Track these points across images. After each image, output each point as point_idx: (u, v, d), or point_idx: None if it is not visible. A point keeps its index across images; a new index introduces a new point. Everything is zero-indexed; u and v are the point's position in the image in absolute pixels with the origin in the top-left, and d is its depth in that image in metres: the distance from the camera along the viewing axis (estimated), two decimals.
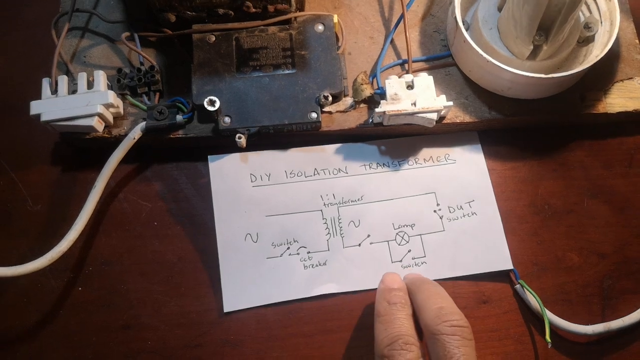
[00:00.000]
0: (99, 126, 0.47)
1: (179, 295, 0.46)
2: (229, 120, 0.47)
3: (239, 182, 0.48)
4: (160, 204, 0.49)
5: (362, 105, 0.49)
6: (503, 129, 0.51)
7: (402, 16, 0.50)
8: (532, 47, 0.47)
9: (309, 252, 0.47)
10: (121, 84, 0.49)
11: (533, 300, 0.45)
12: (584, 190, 0.50)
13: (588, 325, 0.46)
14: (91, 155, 0.50)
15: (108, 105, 0.47)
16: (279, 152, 0.50)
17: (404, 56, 0.51)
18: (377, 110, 0.47)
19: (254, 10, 0.48)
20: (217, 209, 0.48)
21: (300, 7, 0.51)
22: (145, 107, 0.48)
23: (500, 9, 0.49)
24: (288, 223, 0.48)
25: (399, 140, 0.51)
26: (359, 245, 0.48)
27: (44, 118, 0.46)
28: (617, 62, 0.51)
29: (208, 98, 0.46)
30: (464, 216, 0.48)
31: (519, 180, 0.50)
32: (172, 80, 0.50)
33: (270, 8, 0.49)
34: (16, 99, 0.52)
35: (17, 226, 0.48)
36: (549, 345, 0.43)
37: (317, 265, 0.47)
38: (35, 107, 0.46)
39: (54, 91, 0.47)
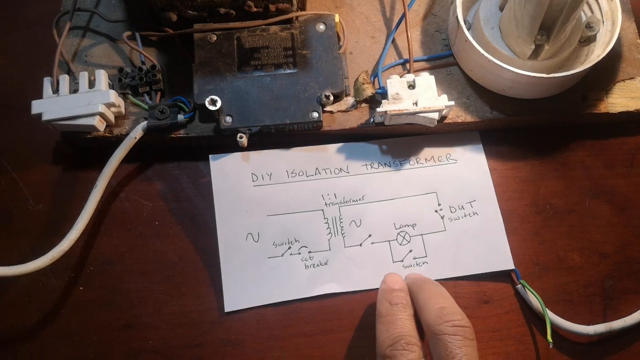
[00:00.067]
0: (100, 125, 0.47)
1: (180, 295, 0.46)
2: (231, 120, 0.47)
3: (240, 182, 0.48)
4: (162, 204, 0.49)
5: (363, 104, 0.49)
6: (504, 129, 0.51)
7: (403, 15, 0.50)
8: (533, 46, 0.47)
9: (310, 252, 0.47)
10: (122, 83, 0.49)
11: (534, 300, 0.45)
12: (586, 190, 0.50)
13: (589, 325, 0.45)
14: (92, 155, 0.50)
15: (109, 105, 0.47)
16: (280, 152, 0.50)
17: (406, 56, 0.51)
18: (378, 109, 0.47)
19: (255, 9, 0.48)
20: (219, 209, 0.48)
21: (302, 7, 0.51)
22: (146, 107, 0.48)
23: (501, 9, 0.49)
24: (289, 223, 0.48)
25: (400, 140, 0.51)
26: (360, 245, 0.47)
27: (45, 117, 0.46)
28: (619, 61, 0.51)
29: (209, 97, 0.46)
30: (465, 216, 0.48)
31: (520, 180, 0.50)
32: (174, 79, 0.50)
33: (272, 7, 0.49)
34: (17, 99, 0.52)
35: (18, 225, 0.48)
36: (551, 346, 0.43)
37: (318, 265, 0.47)
38: (36, 106, 0.46)
39: (55, 90, 0.47)
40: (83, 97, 0.47)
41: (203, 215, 0.48)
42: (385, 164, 0.50)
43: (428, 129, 0.49)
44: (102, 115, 0.46)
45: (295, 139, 0.50)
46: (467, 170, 0.50)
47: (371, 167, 0.50)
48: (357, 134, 0.50)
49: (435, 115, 0.47)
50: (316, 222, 0.48)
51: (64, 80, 0.47)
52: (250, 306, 0.46)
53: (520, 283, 0.46)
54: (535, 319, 0.46)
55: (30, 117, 0.46)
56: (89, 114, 0.46)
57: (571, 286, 0.47)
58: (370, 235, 0.48)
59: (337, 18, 0.50)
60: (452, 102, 0.47)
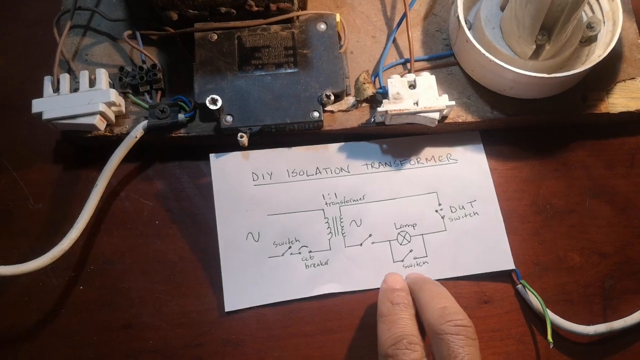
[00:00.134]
0: (101, 124, 0.47)
1: (180, 295, 0.46)
2: (231, 119, 0.47)
3: (241, 181, 0.48)
4: (162, 203, 0.49)
5: (364, 104, 0.49)
6: (505, 129, 0.51)
7: (404, 15, 0.50)
8: (534, 46, 0.47)
9: (310, 252, 0.47)
10: (123, 82, 0.49)
11: (535, 300, 0.45)
12: (586, 190, 0.50)
13: (589, 325, 0.46)
14: (93, 154, 0.50)
15: (110, 104, 0.47)
16: (280, 151, 0.49)
17: (406, 55, 0.51)
18: (379, 109, 0.47)
19: (256, 8, 0.48)
20: (219, 208, 0.48)
21: (303, 6, 0.51)
22: (147, 106, 0.48)
23: (502, 9, 0.49)
24: (289, 222, 0.48)
25: (400, 140, 0.50)
26: (361, 244, 0.47)
27: (45, 116, 0.46)
28: (620, 62, 0.51)
29: (210, 97, 0.46)
30: (465, 216, 0.48)
31: (520, 180, 0.50)
32: (174, 78, 0.50)
33: (273, 7, 0.49)
34: (17, 98, 0.52)
35: (19, 225, 0.48)
36: (551, 346, 0.43)
37: (318, 265, 0.47)
38: (36, 105, 0.46)
39: (56, 89, 0.47)
40: (83, 96, 0.47)
41: (203, 215, 0.48)
42: (385, 163, 0.50)
43: (429, 128, 0.49)
44: (102, 114, 0.46)
45: (296, 139, 0.50)
46: (468, 170, 0.50)
47: (372, 166, 0.50)
48: (357, 133, 0.50)
49: (436, 115, 0.47)
50: (316, 222, 0.48)
51: (65, 79, 0.47)
52: (250, 306, 0.46)
53: (520, 283, 0.46)
54: (536, 319, 0.46)
55: (30, 116, 0.46)
56: (90, 113, 0.46)
57: (571, 286, 0.47)
58: (370, 235, 0.48)
59: (338, 17, 0.50)
60: (453, 102, 0.47)
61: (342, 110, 0.49)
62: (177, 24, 0.49)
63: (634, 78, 0.51)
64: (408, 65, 0.50)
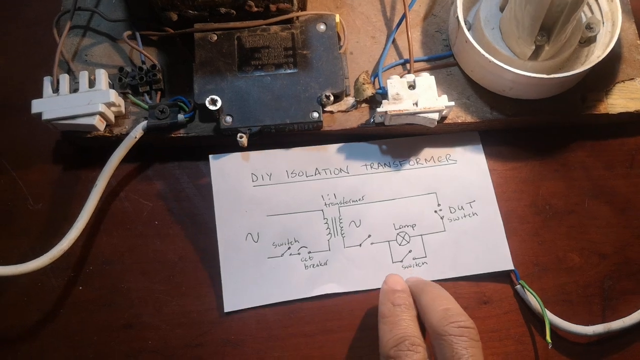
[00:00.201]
0: (101, 125, 0.47)
1: (180, 295, 0.46)
2: (231, 120, 0.47)
3: (240, 182, 0.48)
4: (162, 203, 0.49)
5: (363, 105, 0.49)
6: (504, 129, 0.51)
7: (404, 16, 0.50)
8: (534, 47, 0.47)
9: (309, 252, 0.47)
10: (123, 82, 0.49)
11: (534, 300, 0.45)
12: (585, 191, 0.50)
13: (588, 325, 0.46)
14: (92, 154, 0.50)
15: (109, 104, 0.47)
16: (280, 152, 0.50)
17: (406, 56, 0.51)
18: (378, 110, 0.47)
19: (256, 9, 0.48)
20: (218, 209, 0.48)
21: (302, 7, 0.51)
22: (146, 106, 0.48)
23: (502, 9, 0.49)
24: (289, 223, 0.48)
25: (400, 140, 0.51)
26: (360, 245, 0.48)
27: (45, 117, 0.46)
28: (619, 62, 0.51)
29: (210, 97, 0.46)
30: (464, 216, 0.48)
31: (520, 181, 0.50)
32: (174, 79, 0.50)
33: (272, 7, 0.49)
34: (17, 98, 0.52)
35: (18, 225, 0.48)
36: (550, 346, 0.43)
37: (317, 265, 0.47)
38: (36, 105, 0.46)
39: (56, 90, 0.47)
40: (83, 97, 0.47)
41: (203, 215, 0.48)
42: (385, 164, 0.50)
43: (428, 129, 0.49)
44: (102, 114, 0.46)
45: (296, 139, 0.50)
46: (467, 171, 0.50)
47: (371, 167, 0.50)
48: (357, 134, 0.50)
49: (436, 116, 0.47)
50: (316, 223, 0.48)
51: (64, 79, 0.47)
52: (250, 306, 0.46)
53: (519, 283, 0.46)
54: (535, 320, 0.46)
55: (30, 116, 0.46)
56: (89, 113, 0.46)
57: (570, 287, 0.47)
58: (369, 236, 0.48)
59: (337, 18, 0.50)
60: (452, 103, 0.47)
61: (342, 111, 0.49)
62: (177, 24, 0.49)
63: (633, 79, 0.51)
64: (407, 65, 0.50)
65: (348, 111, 0.49)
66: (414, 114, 0.46)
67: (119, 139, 0.47)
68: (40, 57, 0.53)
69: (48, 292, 0.46)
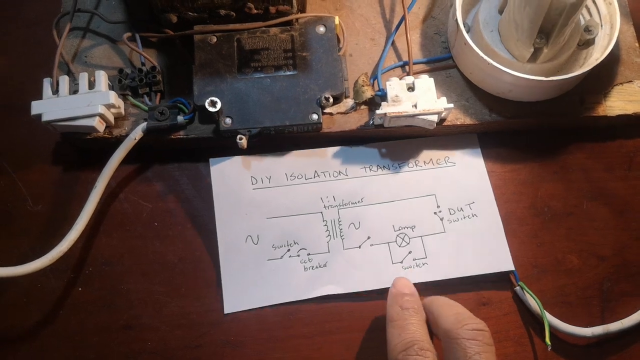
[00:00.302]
0: (100, 126, 0.47)
1: (180, 296, 0.46)
2: (230, 121, 0.47)
3: (240, 185, 0.49)
4: (161, 205, 0.49)
5: (363, 106, 0.50)
6: (503, 131, 0.51)
7: (403, 18, 0.50)
8: (532, 49, 0.47)
9: (309, 254, 0.47)
10: (122, 84, 0.49)
11: (533, 302, 0.46)
12: (584, 193, 0.50)
13: (587, 327, 0.46)
14: (92, 156, 0.50)
15: (109, 106, 0.47)
16: (279, 155, 0.50)
17: (405, 58, 0.51)
18: (377, 112, 0.47)
19: (255, 11, 0.49)
20: (218, 211, 0.48)
21: (302, 9, 0.51)
22: (146, 108, 0.48)
23: (501, 12, 0.50)
24: (288, 225, 0.48)
25: (399, 143, 0.51)
26: (359, 247, 0.48)
27: (45, 118, 0.46)
28: (617, 65, 0.51)
29: (209, 99, 0.46)
30: (464, 218, 0.49)
31: (519, 183, 0.50)
32: (174, 80, 0.50)
33: (272, 9, 0.49)
34: (17, 99, 0.52)
35: (18, 226, 0.48)
36: (549, 348, 0.44)
37: (317, 267, 0.47)
38: (36, 107, 0.46)
39: (55, 91, 0.47)
40: (83, 98, 0.47)
41: (202, 217, 0.48)
42: (384, 166, 0.50)
43: (427, 131, 0.49)
44: (101, 116, 0.46)
45: (295, 141, 0.50)
46: (466, 173, 0.50)
47: (370, 169, 0.50)
48: (356, 135, 0.50)
49: (435, 118, 0.47)
50: (315, 225, 0.48)
51: (64, 81, 0.48)
52: (249, 308, 0.46)
53: (518, 285, 0.46)
54: (534, 321, 0.46)
55: (30, 117, 0.46)
56: (89, 115, 0.46)
57: (569, 288, 0.48)
58: (369, 238, 0.48)
59: (337, 20, 0.50)
60: (451, 105, 0.47)
61: (341, 113, 0.49)
62: (177, 26, 0.49)
63: (631, 81, 0.51)
64: (407, 67, 0.50)
65: (347, 113, 0.49)
66: (413, 116, 0.47)
67: (119, 140, 0.47)
68: (40, 58, 0.53)
69: (48, 293, 0.46)
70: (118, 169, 0.47)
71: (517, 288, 0.47)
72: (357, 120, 0.49)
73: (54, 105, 0.46)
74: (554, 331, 0.46)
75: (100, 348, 0.45)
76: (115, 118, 0.48)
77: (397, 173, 0.50)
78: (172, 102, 0.48)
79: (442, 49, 0.52)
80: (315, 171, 0.49)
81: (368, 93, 0.49)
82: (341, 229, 0.48)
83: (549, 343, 0.43)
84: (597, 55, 0.48)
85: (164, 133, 0.48)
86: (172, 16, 0.48)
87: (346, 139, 0.50)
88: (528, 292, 0.46)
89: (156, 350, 0.45)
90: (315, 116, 0.47)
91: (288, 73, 0.49)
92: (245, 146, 0.47)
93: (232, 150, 0.49)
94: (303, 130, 0.48)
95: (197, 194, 0.49)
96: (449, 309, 0.40)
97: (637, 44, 0.52)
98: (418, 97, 0.47)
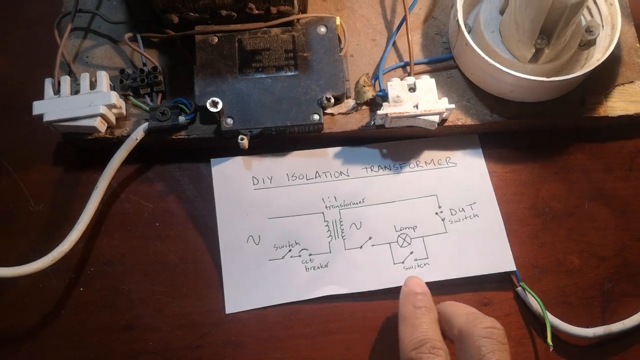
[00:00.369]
0: (102, 127, 0.47)
1: (181, 296, 0.46)
2: (232, 122, 0.47)
3: (241, 185, 0.49)
4: (162, 205, 0.49)
5: (364, 107, 0.50)
6: (504, 132, 0.51)
7: (404, 19, 0.51)
8: (534, 50, 0.47)
9: (310, 255, 0.47)
10: (124, 84, 0.49)
11: (534, 302, 0.46)
12: (585, 193, 0.50)
13: (589, 327, 0.46)
14: (93, 156, 0.50)
15: (110, 106, 0.47)
16: (280, 155, 0.50)
17: (406, 58, 0.51)
18: (379, 112, 0.47)
19: (256, 12, 0.49)
20: (220, 212, 0.48)
21: (303, 9, 0.51)
22: (147, 108, 0.48)
23: (502, 13, 0.50)
24: (290, 225, 0.48)
25: (400, 143, 0.51)
26: (361, 247, 0.48)
27: (46, 118, 0.46)
28: (618, 65, 0.52)
29: (210, 99, 0.46)
30: (465, 218, 0.49)
31: (520, 183, 0.51)
32: (175, 81, 0.50)
33: (273, 10, 0.49)
34: (17, 99, 0.52)
35: (19, 226, 0.48)
36: (550, 348, 0.44)
37: (318, 268, 0.47)
38: (37, 107, 0.46)
39: (57, 91, 0.47)
40: (84, 99, 0.47)
41: (203, 217, 0.48)
42: (385, 167, 0.50)
43: (428, 131, 0.49)
44: (103, 116, 0.46)
45: (296, 141, 0.50)
46: (467, 173, 0.50)
47: (371, 170, 0.50)
48: (357, 136, 0.50)
49: (436, 118, 0.47)
50: (316, 225, 0.48)
51: (65, 81, 0.48)
52: (251, 308, 0.46)
53: (520, 285, 0.46)
54: (535, 322, 0.46)
55: (31, 117, 0.46)
56: (90, 115, 0.46)
57: (570, 289, 0.48)
58: (370, 238, 0.48)
59: (338, 21, 0.50)
60: (453, 105, 0.47)
61: (342, 113, 0.49)
62: (178, 26, 0.49)
63: (632, 82, 0.51)
64: (408, 68, 0.51)
65: (348, 113, 0.49)
66: (415, 116, 0.47)
67: (120, 140, 0.47)
68: (41, 58, 0.53)
69: (49, 293, 0.46)
70: (119, 169, 0.47)
71: (519, 288, 0.47)
72: (358, 120, 0.49)
73: (56, 105, 0.46)
74: (555, 331, 0.46)
75: (101, 348, 0.45)
76: (116, 118, 0.48)
77: (398, 173, 0.50)
78: (174, 103, 0.48)
79: (443, 49, 0.52)
80: (317, 171, 0.49)
81: (369, 93, 0.49)
82: (342, 229, 0.48)
83: (551, 343, 0.43)
84: (598, 55, 0.48)
85: (165, 133, 0.48)
86: (174, 16, 0.48)
87: (347, 140, 0.50)
88: (530, 293, 0.46)
89: (157, 350, 0.45)
90: (316, 117, 0.47)
91: (289, 73, 0.49)
92: (247, 146, 0.47)
93: (233, 150, 0.49)
94: (304, 130, 0.48)
95: (198, 194, 0.49)
96: (462, 309, 0.41)
97: (638, 45, 0.52)
98: (419, 98, 0.47)
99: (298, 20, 0.50)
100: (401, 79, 0.48)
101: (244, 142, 0.47)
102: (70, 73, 0.49)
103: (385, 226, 0.48)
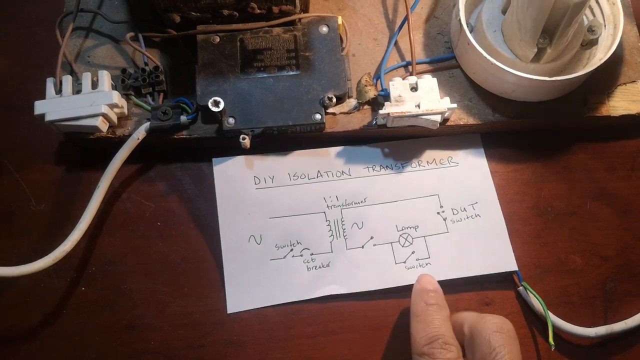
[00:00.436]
0: (103, 126, 0.47)
1: (183, 296, 0.46)
2: (233, 121, 0.47)
3: (243, 185, 0.49)
4: (164, 205, 0.49)
5: (366, 106, 0.50)
6: (506, 132, 0.51)
7: (406, 18, 0.50)
8: (536, 50, 0.47)
9: (312, 254, 0.47)
10: (125, 84, 0.49)
11: (536, 302, 0.46)
12: (587, 193, 0.50)
13: (591, 327, 0.46)
14: (95, 155, 0.50)
15: (112, 106, 0.47)
16: (282, 155, 0.50)
17: (408, 58, 0.51)
18: (381, 112, 0.47)
19: (258, 11, 0.49)
20: (221, 211, 0.48)
21: (305, 9, 0.51)
22: (149, 108, 0.48)
23: (504, 12, 0.50)
24: (291, 225, 0.48)
25: (402, 143, 0.51)
26: (362, 247, 0.48)
27: (48, 118, 0.46)
28: (620, 65, 0.51)
29: (212, 99, 0.46)
30: (467, 218, 0.48)
31: (522, 183, 0.50)
32: (177, 80, 0.50)
33: (275, 9, 0.49)
34: (19, 99, 0.52)
35: (21, 226, 0.48)
36: (552, 348, 0.44)
37: (320, 267, 0.47)
38: (39, 107, 0.46)
39: (58, 91, 0.47)
40: (86, 98, 0.47)
41: (205, 217, 0.48)
42: (387, 166, 0.50)
43: (430, 131, 0.49)
44: (105, 116, 0.46)
45: (298, 141, 0.50)
46: (469, 173, 0.50)
47: (373, 169, 0.50)
48: (359, 135, 0.50)
49: (438, 118, 0.47)
50: (318, 225, 0.48)
51: (67, 81, 0.48)
52: (252, 307, 0.46)
53: (522, 285, 0.46)
54: (537, 322, 0.46)
55: (32, 117, 0.46)
56: (92, 114, 0.46)
57: (572, 288, 0.48)
58: (372, 238, 0.48)
59: (340, 20, 0.50)
60: (455, 105, 0.47)
61: (344, 113, 0.49)
62: (180, 26, 0.49)
63: (634, 81, 0.51)
64: (410, 67, 0.50)
65: (350, 113, 0.49)
66: (416, 116, 0.46)
67: (122, 140, 0.47)
68: (41, 58, 0.53)
69: (50, 292, 0.46)
70: (121, 169, 0.47)
71: (521, 288, 0.47)
72: (360, 120, 0.49)
73: (57, 105, 0.46)
74: (557, 331, 0.46)
75: (103, 348, 0.45)
76: (118, 118, 0.48)
77: (400, 173, 0.50)
78: (175, 102, 0.48)
79: (445, 49, 0.52)
80: (318, 171, 0.49)
81: (371, 93, 0.49)
82: (344, 229, 0.48)
83: (553, 343, 0.44)
84: (600, 55, 0.48)
85: (167, 133, 0.48)
86: (175, 16, 0.48)
87: (349, 139, 0.50)
88: (531, 292, 0.45)
89: (159, 350, 0.45)
90: (318, 116, 0.47)
91: (291, 73, 0.49)
92: (248, 146, 0.47)
93: (235, 150, 0.49)
94: (306, 130, 0.48)
95: (200, 194, 0.49)
96: (470, 313, 0.42)
97: None
98: (421, 97, 0.47)
99: (300, 19, 0.50)
100: (403, 79, 0.48)
101: (246, 141, 0.47)
102: (72, 72, 0.49)
103: (386, 226, 0.48)
